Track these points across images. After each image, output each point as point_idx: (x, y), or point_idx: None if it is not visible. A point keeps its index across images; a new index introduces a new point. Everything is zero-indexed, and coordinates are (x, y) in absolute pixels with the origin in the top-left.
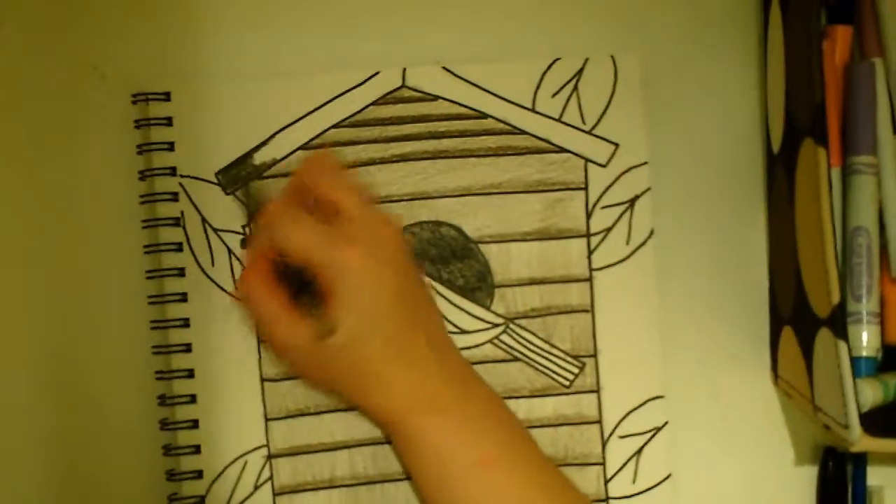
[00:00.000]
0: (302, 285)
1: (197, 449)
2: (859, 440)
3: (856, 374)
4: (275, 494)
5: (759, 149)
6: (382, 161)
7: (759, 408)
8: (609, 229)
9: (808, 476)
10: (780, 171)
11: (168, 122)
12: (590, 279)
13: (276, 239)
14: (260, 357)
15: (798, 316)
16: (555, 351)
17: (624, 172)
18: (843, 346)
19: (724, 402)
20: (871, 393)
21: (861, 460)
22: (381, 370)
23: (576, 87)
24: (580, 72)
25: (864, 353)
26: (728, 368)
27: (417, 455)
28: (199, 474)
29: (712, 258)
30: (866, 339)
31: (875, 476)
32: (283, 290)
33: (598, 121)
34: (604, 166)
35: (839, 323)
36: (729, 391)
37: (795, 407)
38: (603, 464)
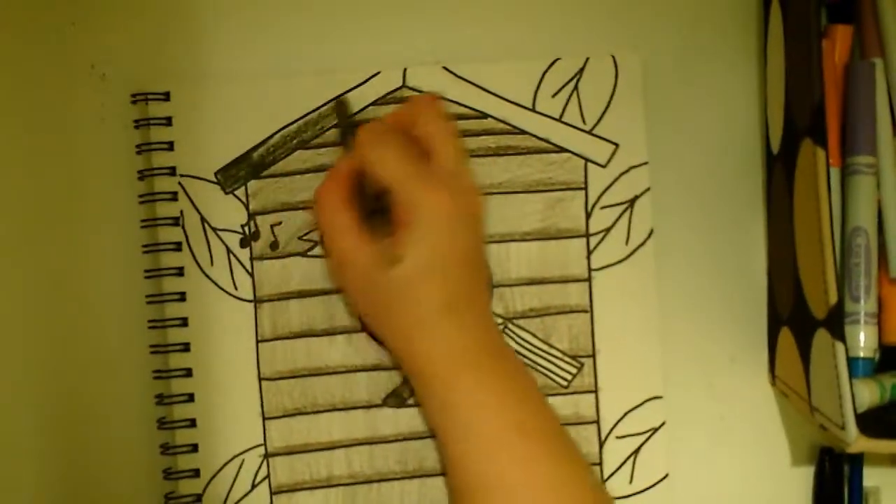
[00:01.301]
0: (377, 211)
1: (194, 447)
2: (856, 441)
3: (853, 374)
4: (272, 493)
5: (759, 149)
6: None
7: (756, 408)
8: (608, 229)
9: (804, 476)
10: (780, 172)
11: (167, 121)
12: (589, 279)
13: (369, 158)
14: (257, 356)
15: (796, 316)
16: (553, 351)
17: (624, 172)
18: (840, 346)
19: (721, 402)
20: (867, 394)
21: (858, 461)
22: (434, 317)
23: (576, 87)
24: (580, 71)
25: (862, 354)
26: (726, 369)
27: (452, 412)
28: (196, 473)
29: (711, 258)
30: (864, 340)
31: (871, 477)
32: (359, 207)
33: (599, 121)
34: (604, 166)
35: (837, 323)
36: (726, 391)
37: (793, 407)
38: (600, 464)
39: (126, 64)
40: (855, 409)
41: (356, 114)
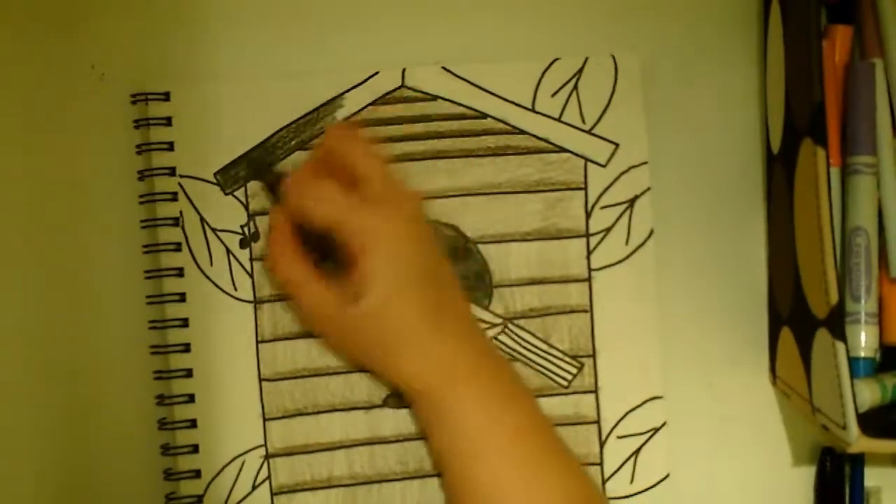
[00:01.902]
0: (326, 253)
1: (195, 448)
2: (857, 441)
3: (854, 374)
4: (272, 494)
5: (759, 149)
6: None
7: (757, 408)
8: (608, 229)
9: (805, 476)
10: (780, 171)
11: (167, 122)
12: (589, 279)
13: (301, 205)
14: (258, 357)
15: (797, 316)
16: (553, 351)
17: (624, 172)
18: (841, 346)
19: (722, 402)
20: (869, 393)
21: (859, 461)
22: (414, 335)
23: (575, 87)
24: (580, 71)
25: (863, 354)
26: (726, 369)
27: (451, 425)
28: (196, 474)
29: (711, 258)
30: (864, 340)
31: (873, 477)
32: (307, 256)
33: (598, 120)
34: (603, 166)
35: (837, 323)
36: (727, 391)
37: (794, 407)
38: (601, 464)
39: (126, 64)
40: (856, 409)
41: (351, 116)
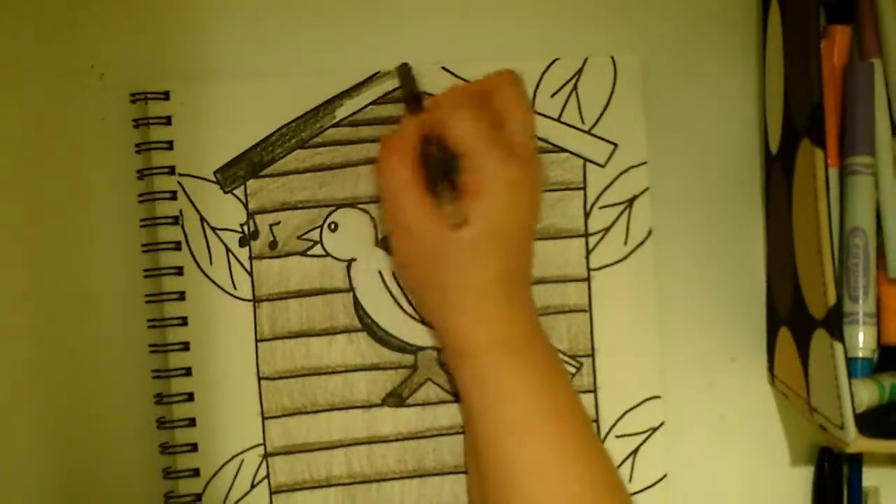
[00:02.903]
0: (442, 177)
1: (194, 447)
2: (855, 441)
3: (852, 374)
4: (271, 493)
5: (758, 149)
6: None
7: (755, 408)
8: (607, 229)
9: (803, 476)
10: (778, 172)
11: (167, 121)
12: (588, 279)
13: (441, 121)
14: (257, 356)
15: (795, 316)
16: None
17: (623, 172)
18: (839, 346)
19: (720, 402)
20: (866, 394)
21: (857, 461)
22: (487, 287)
23: (575, 87)
24: (579, 72)
25: (860, 354)
26: (725, 368)
27: (492, 394)
28: (195, 472)
29: (710, 258)
30: (862, 340)
31: (870, 477)
32: (423, 171)
33: (597, 120)
34: (602, 166)
35: (835, 324)
36: (726, 391)
37: (792, 407)
38: None
39: (126, 64)
40: (854, 409)
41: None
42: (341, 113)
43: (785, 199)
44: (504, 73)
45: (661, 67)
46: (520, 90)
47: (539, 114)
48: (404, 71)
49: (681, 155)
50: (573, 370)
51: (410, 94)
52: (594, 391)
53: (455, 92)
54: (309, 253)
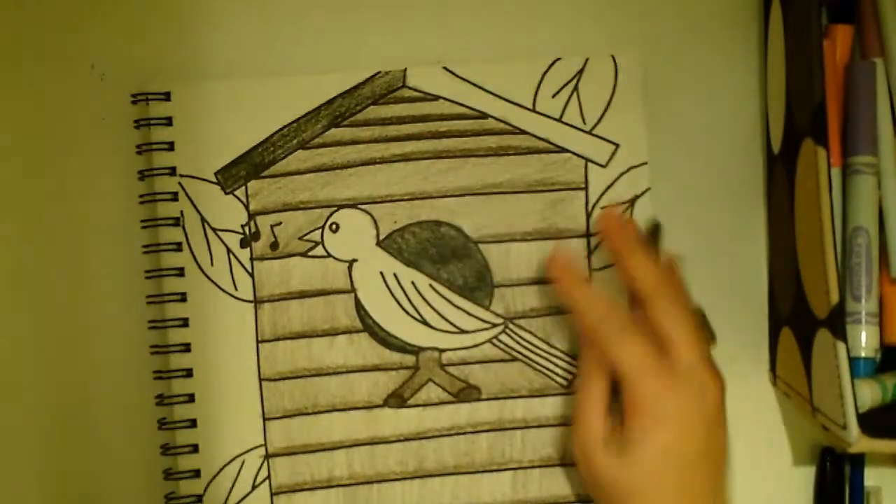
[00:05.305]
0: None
1: (195, 448)
2: (857, 441)
3: (854, 374)
4: (272, 494)
5: (760, 149)
6: (383, 161)
7: (757, 408)
8: None
9: (805, 476)
10: (781, 171)
11: (168, 122)
12: (589, 279)
13: (607, 349)
14: (258, 357)
15: (797, 316)
16: (554, 351)
17: (624, 172)
18: (841, 346)
19: None
20: (869, 394)
21: (859, 461)
22: None
23: (576, 87)
24: (581, 72)
25: (863, 354)
26: (727, 368)
27: None
28: (196, 473)
29: (712, 258)
30: (865, 340)
31: (872, 477)
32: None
33: (599, 121)
34: (604, 166)
35: (838, 323)
36: (728, 391)
37: (794, 407)
38: None
39: (126, 64)
40: (857, 409)
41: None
42: (342, 113)
43: (787, 198)
44: (655, 279)
45: (663, 67)
46: (680, 306)
47: (541, 114)
48: (654, 228)
49: (682, 154)
50: (574, 371)
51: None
52: None
53: (618, 318)
54: (310, 254)
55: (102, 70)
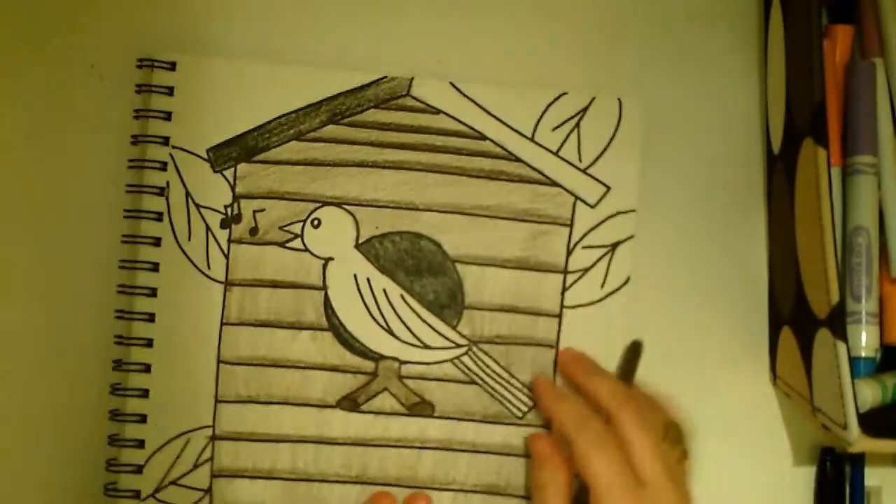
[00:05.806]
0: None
1: (143, 418)
2: (858, 441)
3: (855, 374)
4: (212, 476)
5: (760, 148)
6: (375, 165)
7: (757, 408)
8: (587, 269)
9: (806, 476)
10: (781, 171)
11: (169, 91)
12: (559, 315)
13: (583, 455)
14: (220, 338)
15: (797, 316)
16: (513, 381)
17: (611, 216)
18: (842, 346)
19: (722, 402)
20: (869, 393)
21: (859, 461)
22: None
23: (578, 124)
24: (585, 109)
25: (863, 354)
26: (727, 369)
27: None
28: (140, 444)
29: (712, 258)
30: (865, 340)
31: (873, 476)
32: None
33: (595, 161)
34: (592, 207)
35: (838, 323)
36: (728, 391)
37: (794, 407)
38: None
39: (126, 64)
40: (857, 409)
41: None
42: (342, 111)
43: (787, 198)
44: (618, 394)
45: (664, 62)
46: (637, 416)
47: (539, 144)
48: (633, 350)
49: (683, 154)
50: (530, 404)
51: (625, 372)
52: (549, 428)
53: (594, 425)
54: (288, 245)
55: (102, 70)
